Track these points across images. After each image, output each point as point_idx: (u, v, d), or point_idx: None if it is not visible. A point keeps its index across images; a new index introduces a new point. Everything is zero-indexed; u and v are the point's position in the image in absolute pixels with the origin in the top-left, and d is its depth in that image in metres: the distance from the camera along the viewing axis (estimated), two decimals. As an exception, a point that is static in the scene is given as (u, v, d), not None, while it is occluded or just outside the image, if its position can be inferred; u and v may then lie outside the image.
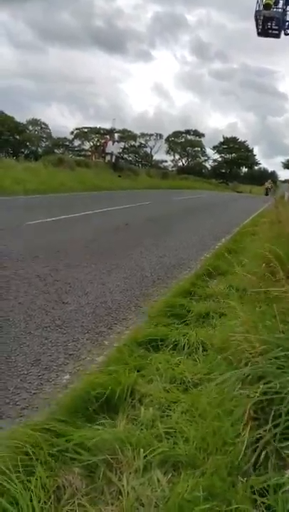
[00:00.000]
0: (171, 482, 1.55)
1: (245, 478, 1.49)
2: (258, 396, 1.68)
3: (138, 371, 2.36)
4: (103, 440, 1.69)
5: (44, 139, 56.15)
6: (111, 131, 41.69)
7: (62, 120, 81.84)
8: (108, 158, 30.43)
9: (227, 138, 60.37)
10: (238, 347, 2.14)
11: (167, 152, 58.82)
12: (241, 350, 2.09)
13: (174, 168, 56.31)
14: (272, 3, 14.42)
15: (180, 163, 59.40)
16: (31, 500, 1.40)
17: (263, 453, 1.53)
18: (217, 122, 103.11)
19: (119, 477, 1.57)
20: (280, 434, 1.55)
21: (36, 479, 1.49)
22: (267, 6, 14.41)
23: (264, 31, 15.29)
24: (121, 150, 42.04)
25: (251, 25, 15.33)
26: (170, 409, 2.02)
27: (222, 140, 60.28)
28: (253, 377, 1.84)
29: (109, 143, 31.94)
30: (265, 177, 54.42)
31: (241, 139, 61.16)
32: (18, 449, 1.60)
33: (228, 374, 1.92)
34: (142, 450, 1.66)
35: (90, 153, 43.45)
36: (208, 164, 61.12)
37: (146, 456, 1.65)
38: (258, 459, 1.53)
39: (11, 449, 1.60)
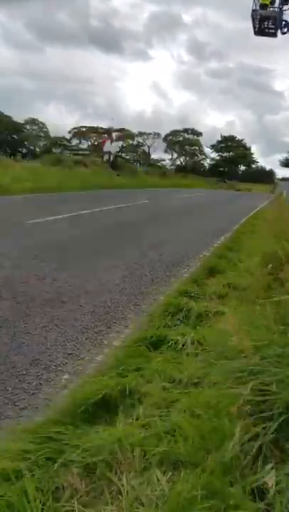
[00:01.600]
0: (171, 481, 1.55)
1: (243, 476, 1.49)
2: (253, 392, 1.69)
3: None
4: (102, 440, 1.70)
5: (42, 138, 55.98)
6: (109, 130, 41.60)
7: (61, 119, 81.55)
8: (106, 157, 30.42)
9: (225, 136, 60.42)
10: (236, 346, 2.14)
11: (165, 151, 58.82)
12: (239, 349, 2.10)
13: (172, 167, 56.29)
14: (268, 3, 14.38)
15: (178, 162, 59.39)
16: (29, 502, 1.41)
17: (260, 449, 1.54)
18: (215, 121, 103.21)
19: (118, 477, 1.57)
20: (274, 430, 1.57)
21: (35, 481, 1.49)
22: (263, 6, 14.38)
23: (261, 30, 15.22)
24: (119, 149, 41.96)
25: (248, 25, 15.32)
26: (169, 409, 2.02)
27: (220, 139, 60.34)
28: (248, 374, 1.85)
29: (107, 142, 31.93)
30: (263, 175, 54.58)
31: (239, 137, 61.25)
32: (19, 452, 1.61)
33: (225, 372, 1.93)
34: (141, 449, 1.67)
35: (88, 152, 43.37)
36: (207, 163, 61.13)
37: (145, 455, 1.65)
38: (256, 455, 1.54)
39: (11, 452, 1.61)
